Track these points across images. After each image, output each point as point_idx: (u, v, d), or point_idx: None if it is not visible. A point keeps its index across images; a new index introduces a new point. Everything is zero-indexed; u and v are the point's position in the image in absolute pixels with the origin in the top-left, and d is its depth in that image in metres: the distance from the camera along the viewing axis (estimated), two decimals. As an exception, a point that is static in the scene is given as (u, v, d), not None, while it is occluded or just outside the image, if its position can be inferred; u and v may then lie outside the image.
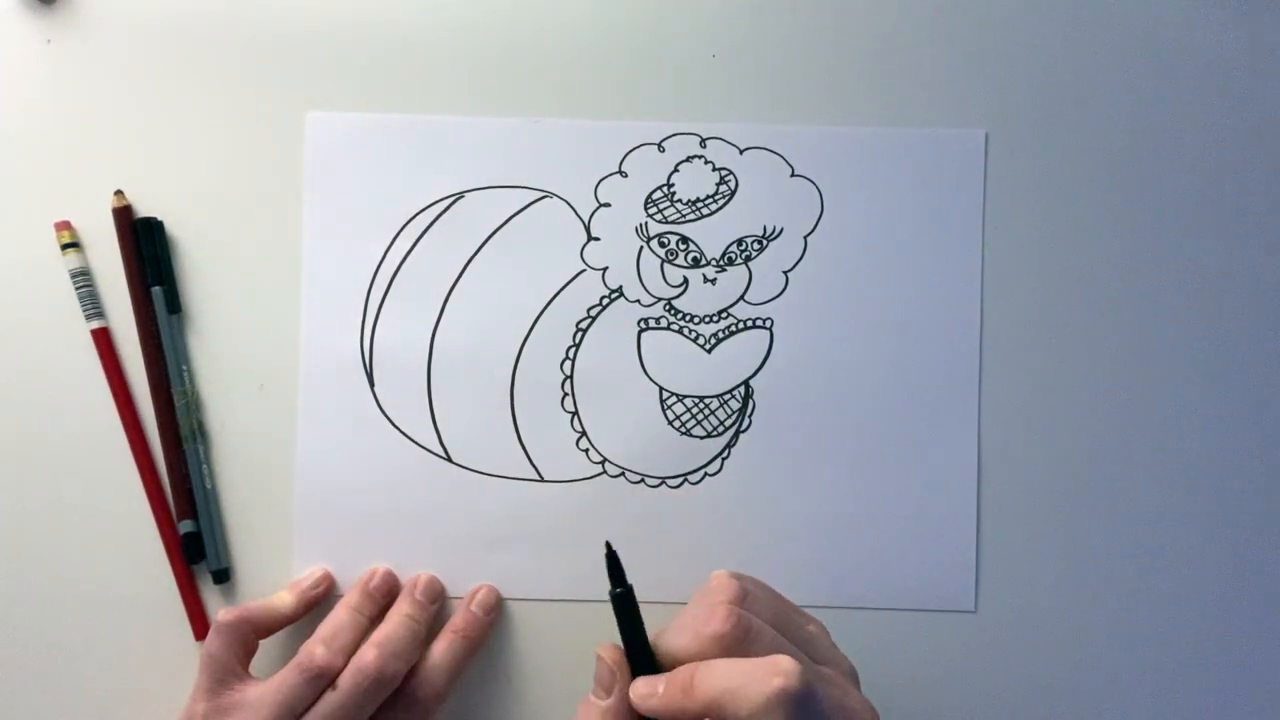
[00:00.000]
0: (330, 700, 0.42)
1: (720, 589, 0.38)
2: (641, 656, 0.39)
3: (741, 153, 0.48)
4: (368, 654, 0.43)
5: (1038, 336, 0.48)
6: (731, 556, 0.48)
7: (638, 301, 0.48)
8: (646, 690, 0.37)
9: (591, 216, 0.48)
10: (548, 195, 0.48)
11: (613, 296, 0.48)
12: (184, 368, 0.48)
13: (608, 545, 0.41)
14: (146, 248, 0.48)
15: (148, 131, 0.48)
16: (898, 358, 0.48)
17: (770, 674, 0.34)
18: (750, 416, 0.48)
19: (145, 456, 0.48)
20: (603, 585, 0.48)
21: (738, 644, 0.36)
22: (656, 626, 0.41)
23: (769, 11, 0.49)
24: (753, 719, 0.33)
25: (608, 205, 0.48)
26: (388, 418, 0.48)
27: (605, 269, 0.48)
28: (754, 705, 0.33)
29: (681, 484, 0.48)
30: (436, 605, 0.47)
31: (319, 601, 0.47)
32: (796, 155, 0.49)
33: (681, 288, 0.48)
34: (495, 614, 0.47)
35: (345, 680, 0.42)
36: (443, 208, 0.48)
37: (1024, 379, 0.48)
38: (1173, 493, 0.48)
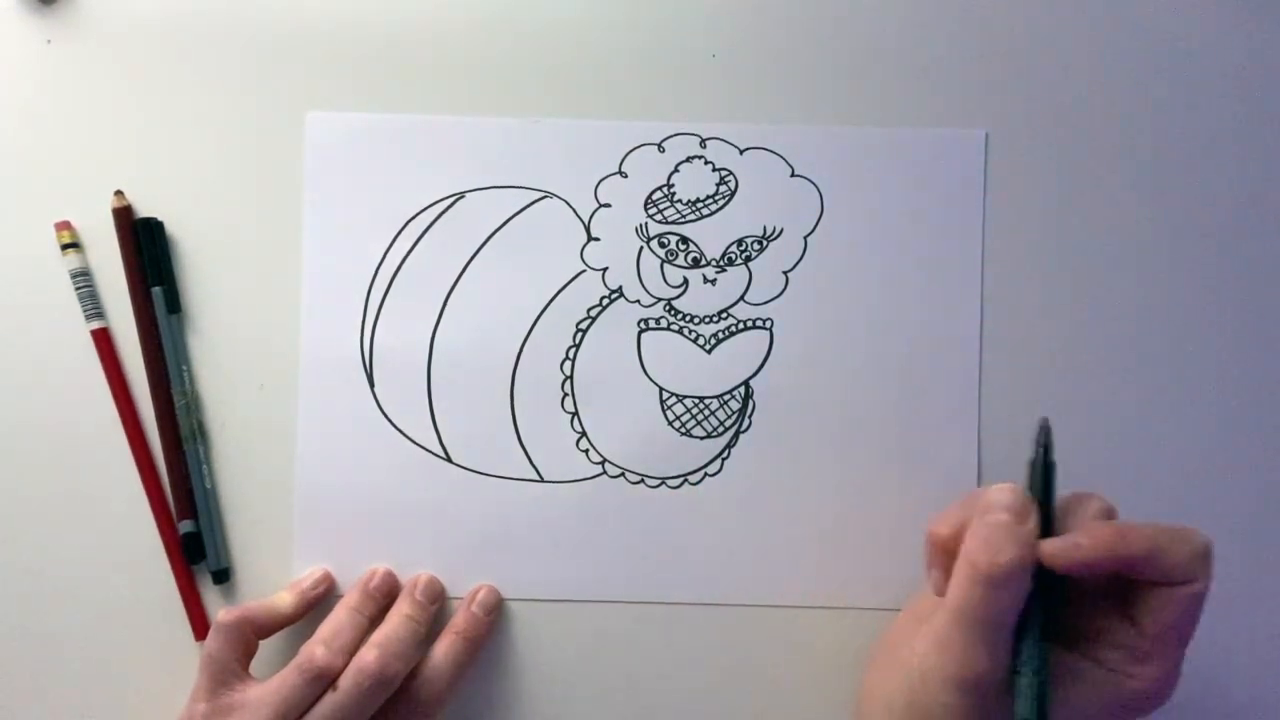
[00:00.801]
0: (331, 701, 0.42)
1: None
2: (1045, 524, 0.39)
3: (741, 153, 0.48)
4: (369, 655, 0.43)
5: (1038, 336, 0.48)
6: (731, 556, 0.48)
7: (638, 302, 0.48)
8: (1064, 544, 0.37)
9: (591, 217, 0.48)
10: (548, 195, 0.48)
11: (613, 297, 0.48)
12: (184, 368, 0.48)
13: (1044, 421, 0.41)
14: (146, 248, 0.48)
15: (148, 131, 0.48)
16: (898, 358, 0.48)
17: (1193, 534, 0.37)
18: (750, 417, 0.48)
19: (145, 456, 0.48)
20: (604, 585, 0.48)
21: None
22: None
23: (769, 11, 0.49)
24: (1188, 565, 0.36)
25: (608, 205, 0.48)
26: (388, 418, 0.48)
27: (605, 269, 0.48)
28: (1188, 554, 0.36)
29: (681, 484, 0.48)
30: (437, 605, 0.47)
31: (319, 602, 0.47)
32: (796, 155, 0.48)
33: (681, 288, 0.49)
34: (496, 614, 0.48)
35: (346, 681, 0.42)
36: (443, 208, 0.48)
37: (1024, 379, 0.48)
38: (1173, 492, 0.48)
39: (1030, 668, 0.37)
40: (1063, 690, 0.38)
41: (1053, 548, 0.37)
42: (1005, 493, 0.38)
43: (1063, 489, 0.49)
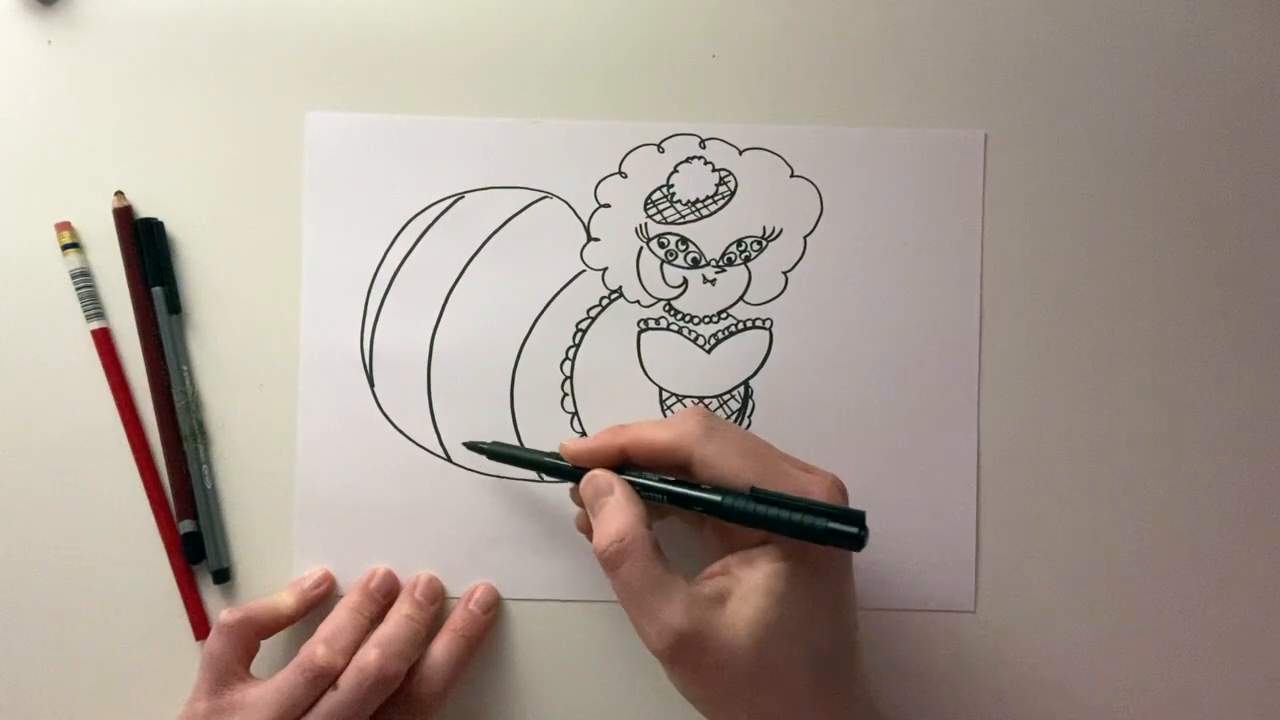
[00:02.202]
0: (332, 700, 0.42)
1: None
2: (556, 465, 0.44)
3: (741, 153, 0.48)
4: (369, 654, 0.43)
5: (1038, 336, 0.48)
6: (731, 556, 0.48)
7: (637, 302, 0.48)
8: (575, 444, 0.43)
9: (591, 217, 0.48)
10: (548, 196, 0.48)
11: (612, 297, 0.48)
12: (184, 368, 0.48)
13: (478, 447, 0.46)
14: (146, 248, 0.48)
15: (148, 131, 0.48)
16: (897, 358, 0.48)
17: (685, 415, 0.41)
18: (750, 416, 0.48)
19: (145, 456, 0.48)
20: (603, 585, 0.48)
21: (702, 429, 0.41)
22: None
23: (769, 11, 0.49)
24: (675, 439, 0.40)
25: (607, 206, 0.48)
26: (388, 418, 0.48)
27: (605, 269, 0.48)
28: (675, 428, 0.41)
29: (681, 484, 0.48)
30: (436, 605, 0.47)
31: (320, 602, 0.47)
32: (796, 156, 0.49)
33: (681, 288, 0.49)
34: (494, 612, 0.48)
35: (347, 680, 0.42)
36: (443, 208, 0.48)
37: (1024, 379, 0.48)
38: (1173, 492, 0.48)
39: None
40: (747, 580, 0.39)
41: (566, 450, 0.43)
42: (590, 483, 0.41)
43: (1064, 487, 0.49)
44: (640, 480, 0.41)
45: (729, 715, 0.39)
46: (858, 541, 0.37)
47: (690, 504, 0.40)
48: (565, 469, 0.43)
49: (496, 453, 0.45)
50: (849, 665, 0.40)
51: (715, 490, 0.39)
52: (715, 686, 0.38)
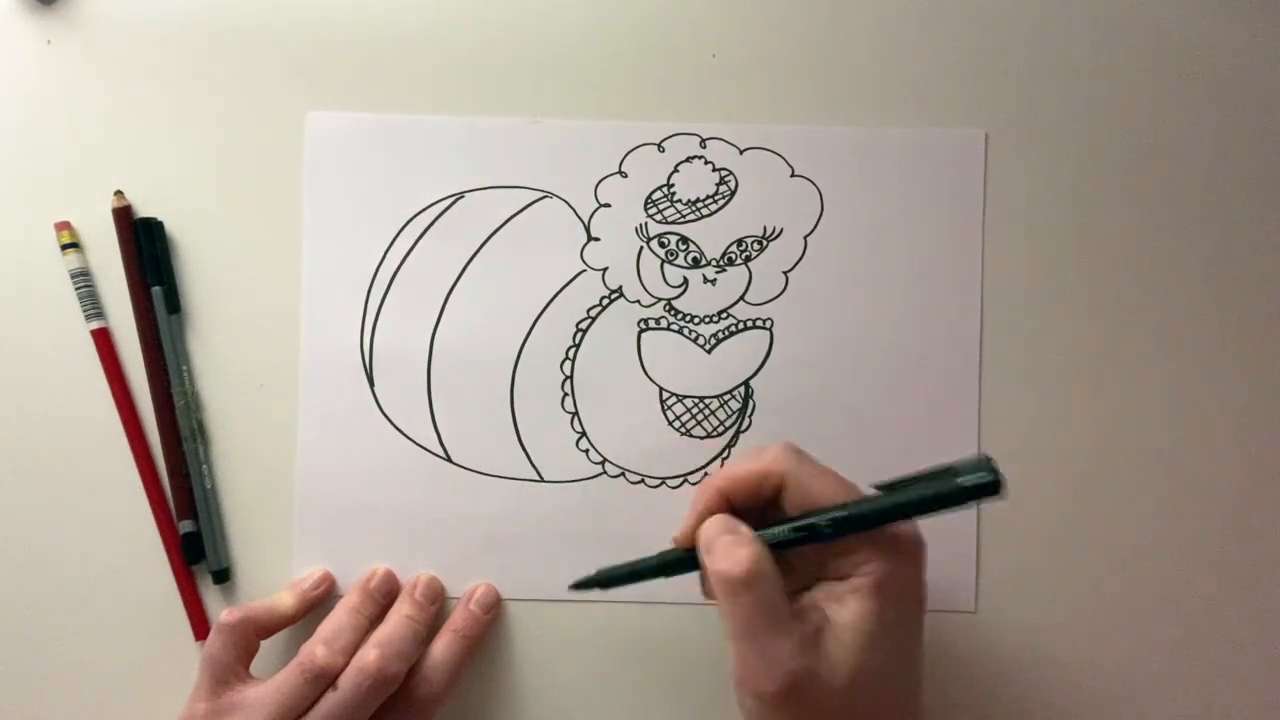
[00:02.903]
0: (331, 700, 0.42)
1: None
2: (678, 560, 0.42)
3: (741, 153, 0.48)
4: (369, 654, 0.43)
5: (1038, 336, 0.48)
6: (731, 556, 0.48)
7: (638, 302, 0.48)
8: (682, 529, 0.41)
9: (591, 217, 0.48)
10: (548, 195, 0.48)
11: (613, 297, 0.48)
12: (184, 368, 0.48)
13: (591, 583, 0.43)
14: (146, 248, 0.48)
15: (148, 131, 0.48)
16: (898, 358, 0.48)
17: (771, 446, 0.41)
18: (750, 417, 0.48)
19: (145, 456, 0.48)
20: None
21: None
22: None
23: (769, 11, 0.49)
24: (767, 465, 0.40)
25: (608, 205, 0.48)
26: (388, 418, 0.48)
27: (605, 269, 0.48)
28: (765, 456, 0.40)
29: (681, 484, 0.48)
30: (436, 606, 0.47)
31: (320, 602, 0.47)
32: (796, 155, 0.48)
33: (681, 288, 0.49)
34: (495, 613, 0.48)
35: (347, 680, 0.42)
36: (443, 208, 0.48)
37: (1024, 379, 0.48)
38: (1173, 492, 0.48)
39: None
40: (841, 616, 0.38)
41: (679, 534, 0.41)
42: (711, 526, 0.40)
43: (1064, 487, 0.49)
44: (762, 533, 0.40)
45: None
46: (996, 487, 0.36)
47: (818, 531, 0.38)
48: (686, 558, 0.41)
49: (611, 580, 0.43)
50: (919, 705, 0.40)
51: (827, 513, 0.38)
52: None
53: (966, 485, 0.36)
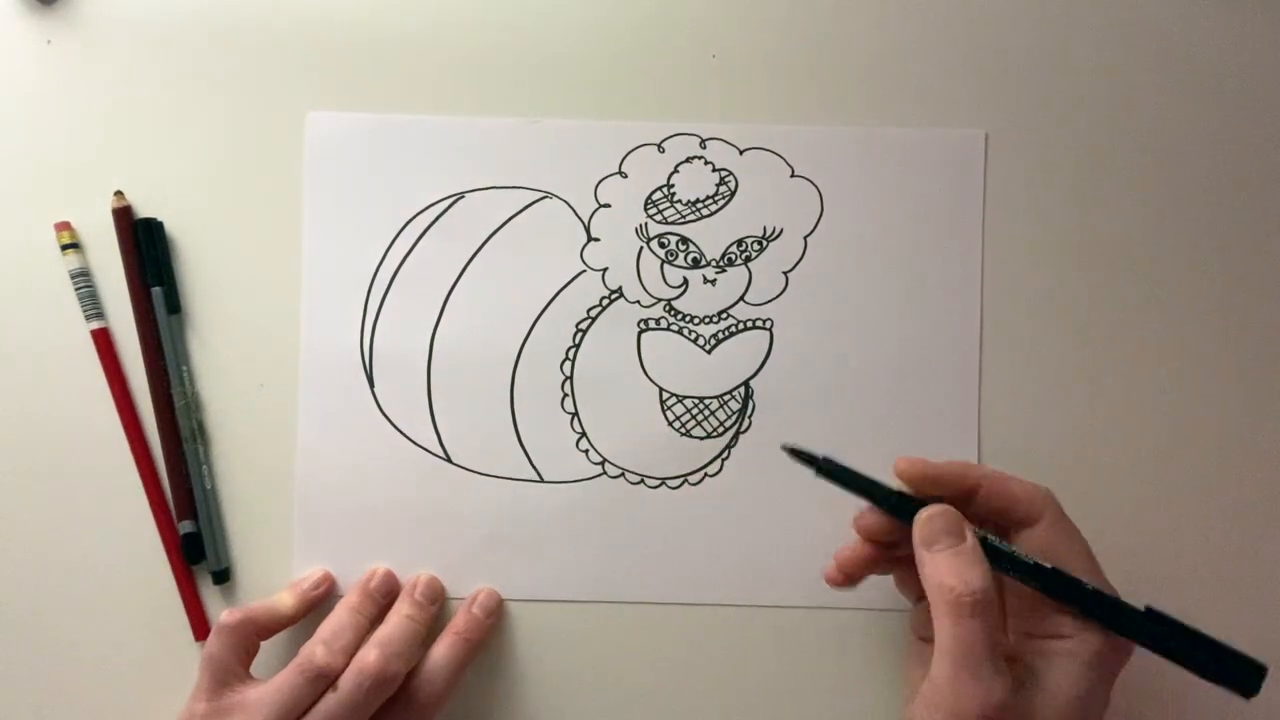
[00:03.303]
0: (331, 701, 0.42)
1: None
2: (887, 496, 0.41)
3: (741, 153, 0.48)
4: (369, 654, 0.43)
5: (1038, 336, 0.48)
6: (731, 557, 0.48)
7: (637, 302, 0.48)
8: (920, 464, 0.41)
9: (591, 217, 0.48)
10: (548, 195, 0.48)
11: (613, 297, 0.48)
12: (184, 368, 0.48)
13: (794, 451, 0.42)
14: (146, 248, 0.48)
15: (148, 131, 0.48)
16: (898, 357, 0.48)
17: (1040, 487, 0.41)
18: (750, 417, 0.48)
19: (145, 456, 0.48)
20: (604, 585, 0.48)
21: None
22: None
23: (769, 11, 0.49)
24: (1034, 493, 0.40)
25: (608, 206, 0.48)
26: (388, 418, 0.48)
27: (605, 269, 0.48)
28: (1033, 486, 0.40)
29: (681, 484, 0.48)
30: (437, 606, 0.47)
31: (320, 602, 0.47)
32: (796, 155, 0.48)
33: (681, 288, 0.48)
34: (496, 616, 0.47)
35: (347, 681, 0.42)
36: (443, 208, 0.48)
37: (1024, 379, 0.48)
38: (1173, 492, 0.48)
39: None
40: (1050, 676, 0.38)
41: (911, 470, 0.41)
42: (939, 518, 0.39)
43: (1064, 487, 0.49)
44: (1005, 548, 0.39)
45: None
46: (1250, 689, 0.36)
47: (1075, 600, 0.38)
48: (894, 502, 0.40)
49: (832, 473, 0.41)
50: None
51: (1105, 602, 0.38)
52: None
53: (1234, 669, 0.37)
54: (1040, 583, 0.38)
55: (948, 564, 0.37)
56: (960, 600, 0.36)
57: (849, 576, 0.42)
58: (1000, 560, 0.39)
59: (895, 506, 0.40)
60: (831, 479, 0.41)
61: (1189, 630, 0.38)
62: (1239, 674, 0.37)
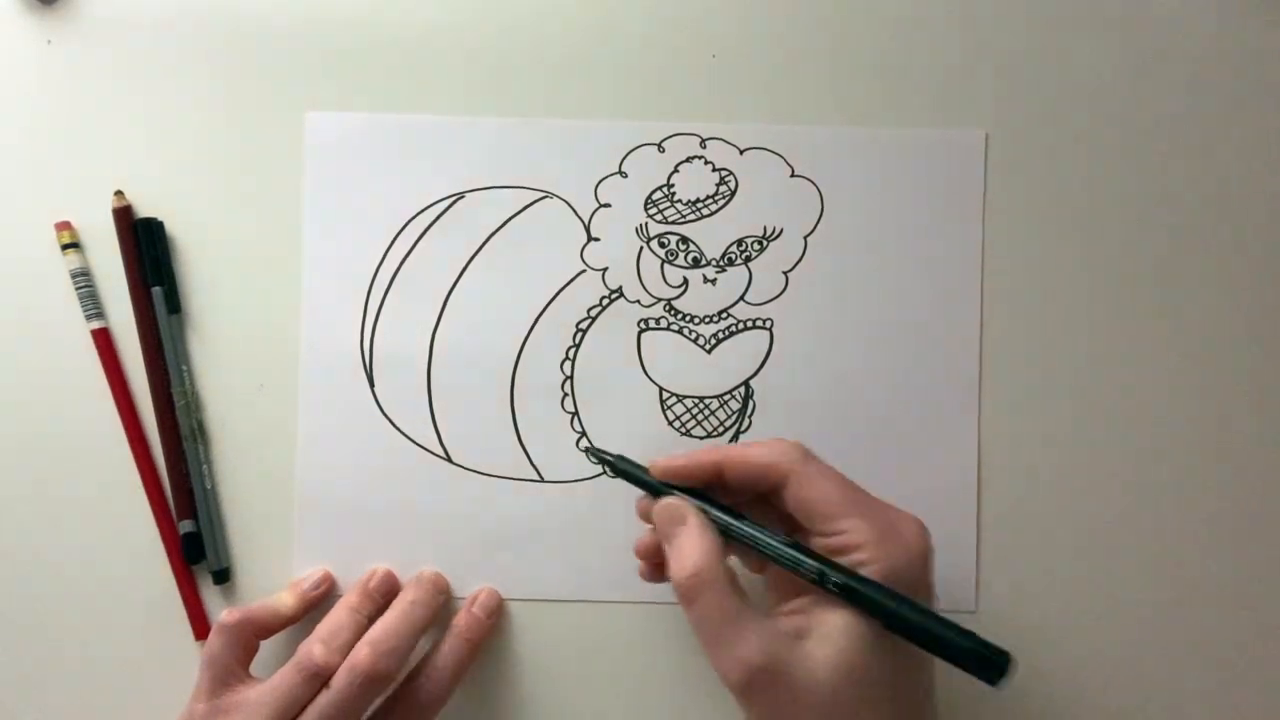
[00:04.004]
0: (324, 700, 0.42)
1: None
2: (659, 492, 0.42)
3: (741, 153, 0.48)
4: (360, 652, 0.43)
5: (1038, 336, 0.48)
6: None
7: (638, 302, 0.48)
8: (667, 461, 0.42)
9: (591, 217, 0.48)
10: (548, 195, 0.48)
11: (613, 297, 0.48)
12: (184, 368, 0.48)
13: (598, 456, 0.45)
14: (146, 248, 0.48)
15: (148, 131, 0.48)
16: (898, 358, 0.48)
17: (783, 440, 0.41)
18: (750, 417, 0.48)
19: (145, 456, 0.48)
20: (603, 585, 0.48)
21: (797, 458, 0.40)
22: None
23: (769, 11, 0.49)
24: (775, 458, 0.40)
25: (608, 205, 0.48)
26: (388, 418, 0.48)
27: (605, 269, 0.48)
28: (775, 449, 0.40)
29: (681, 484, 0.48)
30: (443, 597, 0.47)
31: (320, 602, 0.47)
32: (796, 155, 0.48)
33: (681, 288, 0.48)
34: (497, 616, 0.47)
35: (339, 679, 0.42)
36: (443, 208, 0.48)
37: (1024, 379, 0.48)
38: (1173, 492, 0.48)
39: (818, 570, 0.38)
40: (813, 636, 0.38)
41: (658, 467, 0.42)
42: (664, 511, 0.41)
43: (1063, 487, 0.49)
44: (723, 517, 0.40)
45: None
46: (997, 673, 0.35)
47: (792, 565, 0.39)
48: (654, 486, 0.42)
49: (619, 470, 0.44)
50: (928, 712, 0.39)
51: (818, 564, 0.38)
52: None
53: (978, 650, 0.36)
54: (773, 558, 0.39)
55: (671, 554, 0.39)
56: (679, 587, 0.38)
57: (653, 565, 0.43)
58: (738, 538, 0.40)
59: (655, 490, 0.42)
60: (624, 477, 0.43)
61: (923, 610, 0.37)
62: (984, 662, 0.36)
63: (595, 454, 0.46)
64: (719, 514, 0.40)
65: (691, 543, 0.39)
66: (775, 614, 0.39)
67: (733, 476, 0.41)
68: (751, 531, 0.40)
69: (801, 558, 0.38)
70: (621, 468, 0.44)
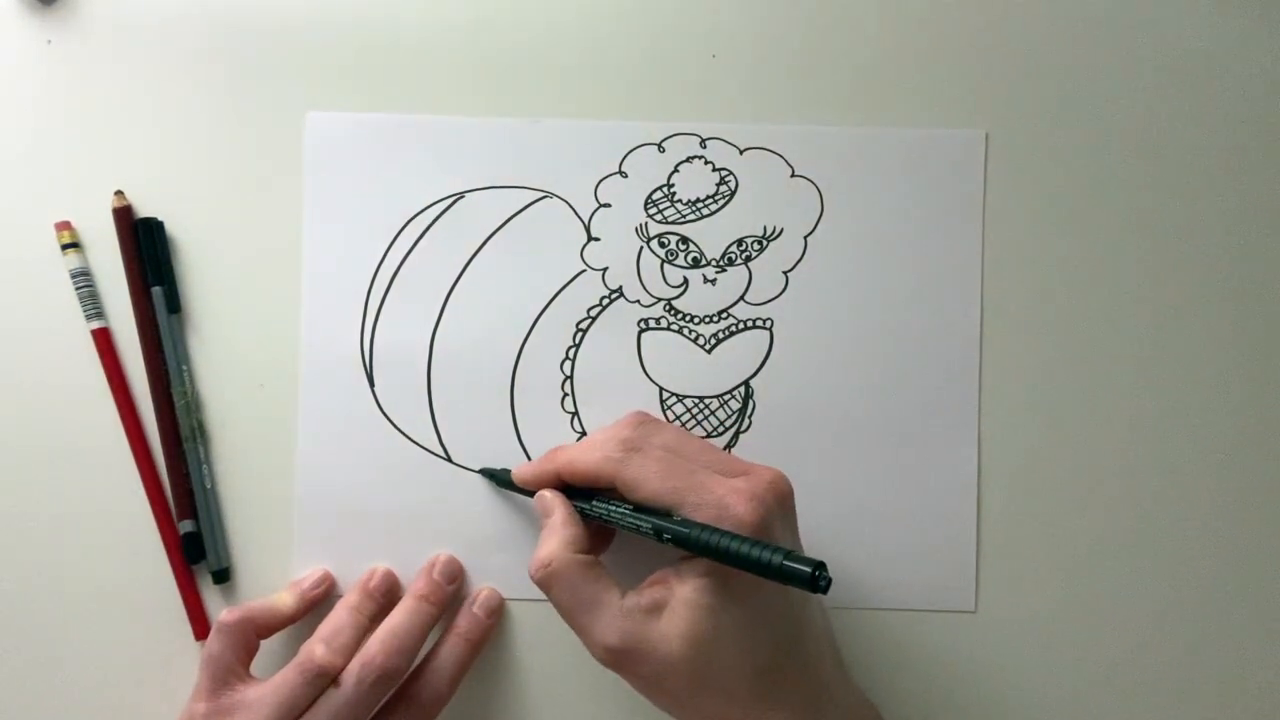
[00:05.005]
0: (335, 698, 0.42)
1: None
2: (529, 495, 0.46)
3: (741, 153, 0.49)
4: (372, 649, 0.43)
5: (1038, 336, 0.48)
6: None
7: (638, 302, 0.48)
8: (521, 469, 0.46)
9: (591, 217, 0.48)
10: (548, 195, 0.48)
11: (613, 297, 0.48)
12: (184, 368, 0.48)
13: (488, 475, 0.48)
14: (146, 248, 0.48)
15: (148, 131, 0.48)
16: (898, 358, 0.48)
17: (614, 432, 0.42)
18: (750, 417, 0.48)
19: (145, 456, 0.48)
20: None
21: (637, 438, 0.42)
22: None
23: (769, 11, 0.49)
24: (598, 463, 0.42)
25: (608, 205, 0.48)
26: (388, 418, 0.48)
27: (605, 269, 0.48)
28: (600, 450, 0.42)
29: (681, 484, 0.48)
30: (455, 586, 0.47)
31: (320, 601, 0.47)
32: (796, 155, 0.48)
33: (681, 288, 0.49)
34: (497, 616, 0.47)
35: (349, 676, 0.42)
36: (443, 208, 0.48)
37: (1024, 379, 0.48)
38: (1173, 492, 0.48)
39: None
40: (665, 609, 0.39)
41: (516, 474, 0.45)
42: (537, 504, 0.44)
43: (1064, 487, 0.49)
44: (582, 505, 0.43)
45: (682, 716, 0.41)
46: (810, 583, 0.36)
47: (634, 529, 0.41)
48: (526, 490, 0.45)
49: (494, 478, 0.48)
50: (800, 672, 0.40)
51: (648, 518, 0.40)
52: (658, 693, 0.40)
53: (787, 566, 0.36)
54: (623, 528, 0.41)
55: (536, 548, 0.42)
56: (533, 578, 0.41)
57: None
58: (590, 514, 0.43)
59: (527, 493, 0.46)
60: (506, 487, 0.47)
61: (735, 537, 0.37)
62: (795, 573, 0.36)
63: (484, 474, 0.48)
64: (584, 505, 0.43)
65: (547, 534, 0.42)
66: (639, 588, 0.40)
67: (574, 483, 0.43)
68: (603, 508, 0.42)
69: (640, 521, 0.40)
70: (498, 478, 0.47)
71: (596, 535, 0.44)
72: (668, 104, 0.49)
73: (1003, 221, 0.49)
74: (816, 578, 0.36)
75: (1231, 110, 0.49)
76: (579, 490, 0.44)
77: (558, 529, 0.42)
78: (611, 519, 0.42)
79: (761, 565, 0.36)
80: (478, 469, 0.48)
